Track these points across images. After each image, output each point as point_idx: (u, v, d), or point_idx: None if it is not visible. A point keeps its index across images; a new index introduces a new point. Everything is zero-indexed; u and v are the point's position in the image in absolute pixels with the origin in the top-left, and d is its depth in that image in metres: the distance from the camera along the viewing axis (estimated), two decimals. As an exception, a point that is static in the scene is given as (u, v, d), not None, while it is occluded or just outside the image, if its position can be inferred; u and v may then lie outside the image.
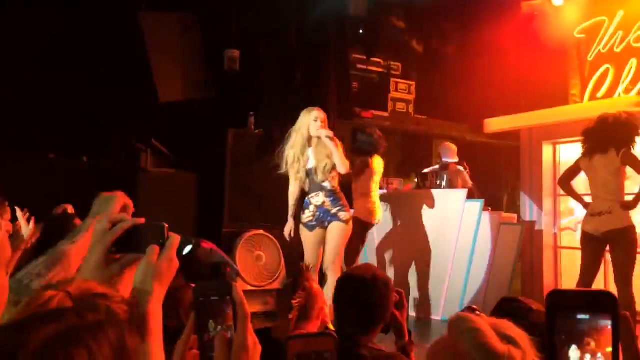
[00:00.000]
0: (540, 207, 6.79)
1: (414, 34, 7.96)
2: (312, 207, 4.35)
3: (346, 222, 4.34)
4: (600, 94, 6.22)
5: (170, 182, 5.91)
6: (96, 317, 0.74)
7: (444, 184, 6.07)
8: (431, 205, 5.89)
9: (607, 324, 0.63)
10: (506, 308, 1.80)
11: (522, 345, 0.94)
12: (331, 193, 4.35)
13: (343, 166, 4.30)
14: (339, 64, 7.49)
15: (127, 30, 6.21)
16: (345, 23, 7.31)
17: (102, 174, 5.50)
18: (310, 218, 4.36)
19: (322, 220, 4.34)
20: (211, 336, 0.85)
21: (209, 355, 0.85)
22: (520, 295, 3.25)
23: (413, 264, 5.97)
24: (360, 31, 7.76)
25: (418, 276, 5.89)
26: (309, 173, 4.40)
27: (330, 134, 4.30)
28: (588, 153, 4.46)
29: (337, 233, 4.30)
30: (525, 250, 6.11)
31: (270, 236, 5.83)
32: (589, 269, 4.30)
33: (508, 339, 0.94)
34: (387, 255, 6.05)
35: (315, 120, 4.35)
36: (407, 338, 2.16)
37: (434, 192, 5.96)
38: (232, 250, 5.60)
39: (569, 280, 6.03)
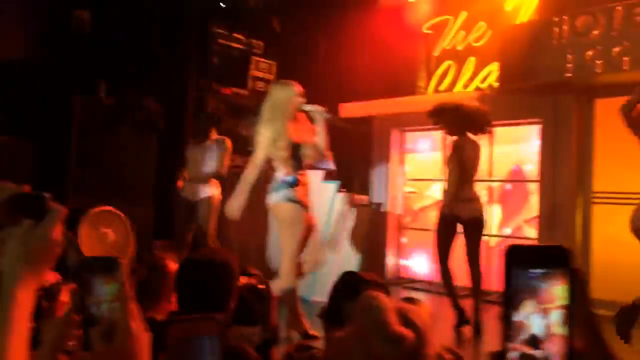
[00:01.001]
0: (387, 190, 7.27)
1: (276, 14, 7.95)
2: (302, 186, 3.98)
3: None
4: (442, 87, 6.78)
5: (2, 150, 5.29)
6: None
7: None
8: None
9: (562, 278, 0.63)
10: (344, 281, 1.91)
11: (420, 330, 0.96)
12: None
13: (325, 146, 4.03)
14: (199, 35, 7.24)
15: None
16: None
17: None
18: (304, 197, 4.00)
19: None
20: (93, 315, 0.80)
21: (89, 335, 0.79)
22: (366, 271, 3.45)
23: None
24: (223, 4, 7.56)
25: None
26: (291, 150, 3.94)
27: (324, 111, 3.99)
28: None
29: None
30: (373, 230, 6.51)
31: (119, 213, 5.50)
32: (444, 249, 4.61)
33: (408, 323, 0.96)
34: (243, 237, 6.04)
35: (298, 95, 3.95)
36: (272, 332, 2.07)
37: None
38: (75, 227, 5.19)
39: (413, 256, 6.56)
